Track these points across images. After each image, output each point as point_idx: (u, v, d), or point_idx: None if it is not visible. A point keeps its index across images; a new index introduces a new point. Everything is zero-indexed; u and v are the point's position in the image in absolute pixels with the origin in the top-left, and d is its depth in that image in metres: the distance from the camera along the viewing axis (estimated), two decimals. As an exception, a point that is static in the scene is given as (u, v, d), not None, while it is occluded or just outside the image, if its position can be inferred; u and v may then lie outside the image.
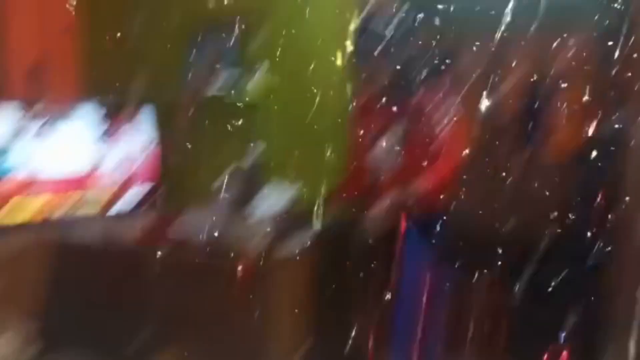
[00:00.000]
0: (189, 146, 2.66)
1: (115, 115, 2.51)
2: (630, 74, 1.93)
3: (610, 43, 3.05)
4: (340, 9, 2.29)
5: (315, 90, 2.37)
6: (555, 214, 1.58)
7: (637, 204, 1.91)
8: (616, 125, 2.53)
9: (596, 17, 3.62)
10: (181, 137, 2.68)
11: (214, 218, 2.22)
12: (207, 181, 2.46)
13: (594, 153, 3.28)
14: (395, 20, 1.83)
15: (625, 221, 1.92)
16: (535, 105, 5.20)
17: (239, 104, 2.45)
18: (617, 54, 2.77)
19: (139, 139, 2.58)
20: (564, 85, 5.14)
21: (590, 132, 4.68)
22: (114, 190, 2.49)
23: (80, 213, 2.37)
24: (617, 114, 2.48)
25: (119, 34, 2.79)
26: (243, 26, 2.50)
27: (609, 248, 2.04)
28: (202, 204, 2.49)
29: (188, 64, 2.60)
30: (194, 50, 2.60)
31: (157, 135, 2.64)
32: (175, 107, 2.65)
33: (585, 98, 4.96)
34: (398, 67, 1.83)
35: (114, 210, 2.47)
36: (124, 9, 2.79)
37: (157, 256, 1.90)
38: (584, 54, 4.72)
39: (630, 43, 1.98)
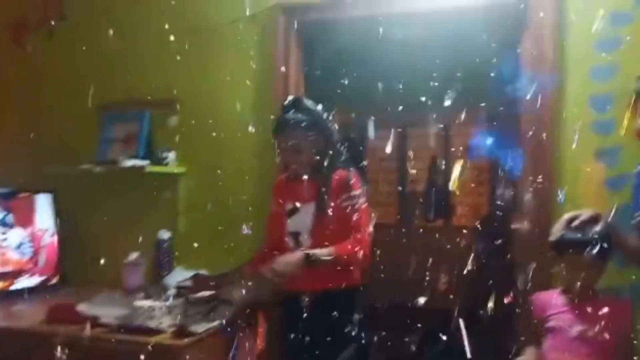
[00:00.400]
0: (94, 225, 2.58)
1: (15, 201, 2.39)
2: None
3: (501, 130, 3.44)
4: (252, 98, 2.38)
5: (230, 169, 2.39)
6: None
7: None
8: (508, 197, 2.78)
9: (489, 102, 4.08)
10: (86, 216, 2.59)
11: (122, 297, 2.12)
12: (117, 257, 2.35)
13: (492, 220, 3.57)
14: (308, 103, 1.92)
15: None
16: (440, 181, 5.58)
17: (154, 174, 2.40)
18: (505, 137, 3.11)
19: (38, 225, 2.47)
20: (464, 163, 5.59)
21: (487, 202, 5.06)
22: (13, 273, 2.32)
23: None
24: (508, 188, 2.73)
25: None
26: (156, 110, 2.51)
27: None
28: (112, 283, 2.39)
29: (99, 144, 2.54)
30: (105, 131, 2.55)
31: (58, 220, 2.53)
32: (81, 188, 2.57)
33: (483, 175, 5.42)
34: (311, 146, 1.89)
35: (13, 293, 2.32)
36: (32, 90, 2.75)
37: (60, 340, 1.74)
38: (481, 133, 5.17)
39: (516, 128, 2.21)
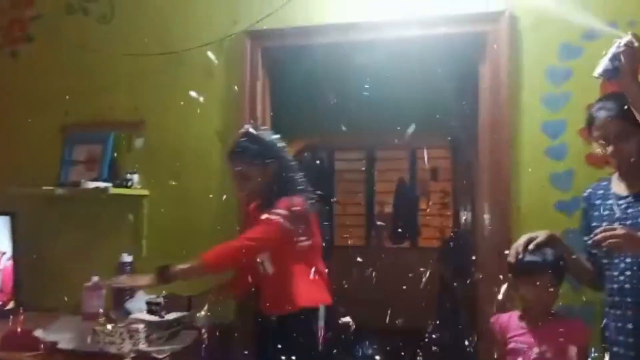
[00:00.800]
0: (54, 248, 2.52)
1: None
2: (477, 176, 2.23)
3: (462, 153, 3.55)
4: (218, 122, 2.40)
5: (194, 192, 2.39)
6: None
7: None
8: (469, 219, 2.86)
9: (451, 130, 4.20)
10: (47, 239, 2.53)
11: (81, 322, 2.07)
12: (77, 281, 2.29)
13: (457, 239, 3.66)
14: (261, 133, 1.98)
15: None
16: (408, 204, 5.65)
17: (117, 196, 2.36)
18: (466, 162, 3.22)
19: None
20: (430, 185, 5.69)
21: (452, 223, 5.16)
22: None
23: None
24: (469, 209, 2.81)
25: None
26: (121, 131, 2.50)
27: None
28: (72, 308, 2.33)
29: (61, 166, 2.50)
30: (68, 153, 2.52)
31: (15, 244, 2.47)
32: (42, 210, 2.52)
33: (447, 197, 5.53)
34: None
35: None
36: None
37: None
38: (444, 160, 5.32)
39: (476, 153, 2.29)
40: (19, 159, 2.61)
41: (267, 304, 1.95)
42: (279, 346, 1.82)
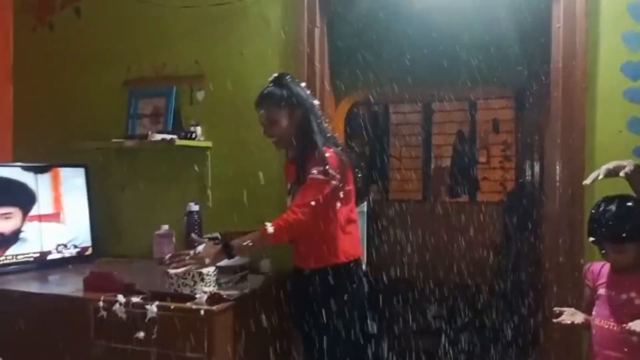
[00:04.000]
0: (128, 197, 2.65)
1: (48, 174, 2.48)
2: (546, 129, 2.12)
3: (528, 101, 3.38)
4: (277, 65, 2.37)
5: (255, 143, 2.42)
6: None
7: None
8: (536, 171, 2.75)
9: (514, 78, 4.00)
10: (117, 190, 2.66)
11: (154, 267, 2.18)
12: (147, 230, 2.42)
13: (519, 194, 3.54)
14: (288, 80, 1.96)
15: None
16: (466, 157, 5.52)
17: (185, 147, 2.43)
18: (533, 112, 3.06)
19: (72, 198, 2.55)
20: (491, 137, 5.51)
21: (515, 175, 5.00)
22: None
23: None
24: (536, 162, 2.70)
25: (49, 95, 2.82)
26: (183, 85, 2.55)
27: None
28: (143, 255, 2.48)
29: (127, 119, 2.58)
30: (133, 107, 2.60)
31: (91, 193, 2.62)
32: (111, 163, 2.65)
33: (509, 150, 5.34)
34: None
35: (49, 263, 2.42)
36: (62, 68, 2.81)
37: (100, 308, 1.84)
38: (506, 111, 5.11)
39: (545, 102, 2.17)
40: (88, 114, 2.73)
41: (301, 258, 1.96)
42: (312, 301, 1.86)
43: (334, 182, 1.81)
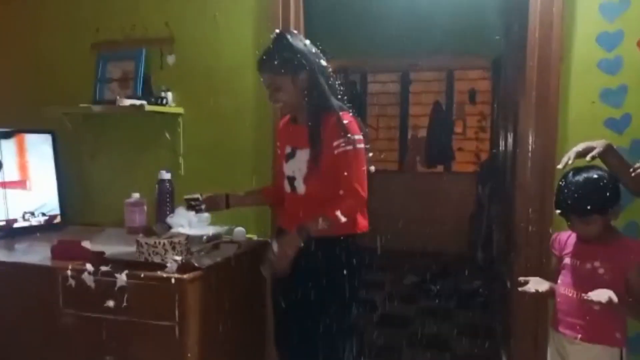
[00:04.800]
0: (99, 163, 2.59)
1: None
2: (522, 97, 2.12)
3: (505, 68, 3.38)
4: (250, 39, 2.31)
5: (229, 110, 2.37)
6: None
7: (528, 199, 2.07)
8: (508, 141, 2.77)
9: (492, 48, 3.99)
10: (86, 157, 2.59)
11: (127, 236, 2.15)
12: (118, 198, 2.38)
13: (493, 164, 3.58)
14: (291, 39, 1.78)
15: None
16: (442, 127, 5.54)
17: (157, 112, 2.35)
18: (509, 82, 3.06)
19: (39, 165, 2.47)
20: (467, 108, 5.53)
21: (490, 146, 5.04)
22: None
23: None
24: (510, 133, 2.71)
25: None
26: (152, 48, 2.45)
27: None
28: (114, 223, 2.44)
29: (96, 84, 2.49)
30: (101, 71, 2.50)
31: (58, 160, 2.53)
32: (80, 129, 2.56)
33: (485, 121, 5.38)
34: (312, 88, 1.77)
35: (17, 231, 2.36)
36: (28, 31, 2.68)
37: (68, 276, 1.81)
38: (484, 82, 5.11)
39: (521, 72, 2.16)
40: (55, 78, 2.62)
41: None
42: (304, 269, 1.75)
43: (362, 146, 1.76)
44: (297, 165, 1.83)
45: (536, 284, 1.74)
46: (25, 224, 2.39)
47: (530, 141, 2.07)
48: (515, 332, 2.19)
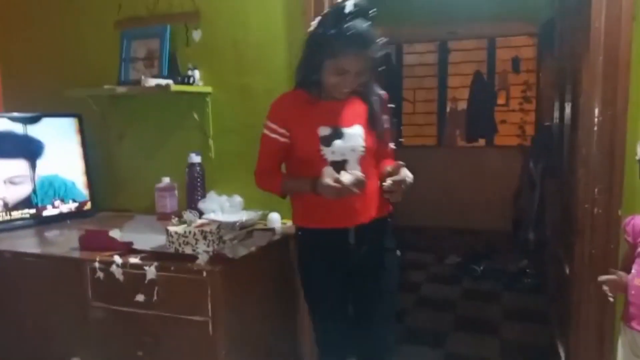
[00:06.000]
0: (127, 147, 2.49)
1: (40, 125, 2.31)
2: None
3: (557, 34, 3.09)
4: (281, 12, 2.14)
5: (259, 89, 2.21)
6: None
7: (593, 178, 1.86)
8: (566, 112, 2.52)
9: (538, 12, 3.68)
10: (113, 139, 2.50)
11: (155, 223, 2.06)
12: (151, 181, 2.27)
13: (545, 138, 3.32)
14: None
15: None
16: (486, 96, 5.24)
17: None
18: (562, 48, 2.79)
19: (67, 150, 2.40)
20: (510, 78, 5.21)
21: (536, 119, 4.74)
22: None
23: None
24: (567, 103, 2.46)
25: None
26: (177, 24, 2.31)
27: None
28: (145, 209, 2.35)
29: (120, 64, 2.37)
30: (125, 50, 2.38)
31: (86, 144, 2.45)
32: (106, 111, 2.46)
33: (530, 91, 5.05)
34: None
35: (48, 219, 2.30)
36: (48, 13, 2.58)
37: (97, 268, 1.73)
38: (528, 49, 4.79)
39: (577, 36, 1.91)
40: (79, 60, 2.53)
41: (357, 214, 1.62)
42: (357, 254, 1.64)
43: None
44: (350, 145, 1.58)
45: (616, 288, 1.54)
46: (55, 211, 2.32)
47: (596, 112, 1.83)
48: (576, 323, 2.00)
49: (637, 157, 1.51)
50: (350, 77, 1.54)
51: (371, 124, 1.63)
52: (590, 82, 1.86)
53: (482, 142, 5.25)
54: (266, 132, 1.67)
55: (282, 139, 1.63)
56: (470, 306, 3.35)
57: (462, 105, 5.38)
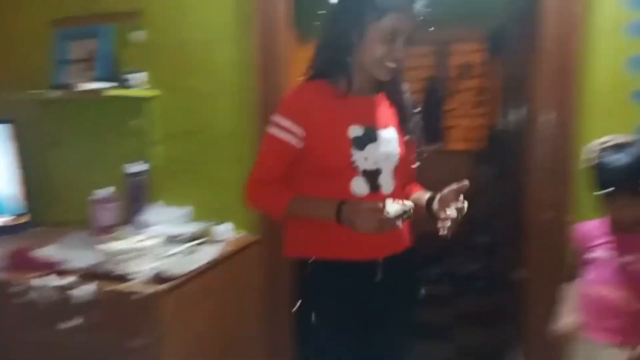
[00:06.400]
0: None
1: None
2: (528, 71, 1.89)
3: (507, 40, 3.13)
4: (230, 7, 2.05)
5: (208, 91, 2.11)
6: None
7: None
8: (514, 117, 2.55)
9: (488, 18, 3.73)
10: (47, 148, 2.32)
11: (92, 238, 1.90)
12: (89, 192, 2.11)
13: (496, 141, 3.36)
14: None
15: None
16: (437, 100, 5.29)
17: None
18: (512, 53, 2.82)
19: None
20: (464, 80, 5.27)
21: (488, 124, 4.83)
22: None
23: None
24: (515, 108, 2.49)
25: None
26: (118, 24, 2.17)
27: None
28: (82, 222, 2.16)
29: (54, 66, 2.20)
30: (60, 51, 2.22)
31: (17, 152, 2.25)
32: (39, 118, 2.28)
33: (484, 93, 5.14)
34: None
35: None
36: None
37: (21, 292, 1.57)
38: (482, 50, 4.87)
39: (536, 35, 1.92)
40: (11, 61, 2.33)
41: (394, 243, 1.46)
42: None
43: None
44: (385, 152, 1.35)
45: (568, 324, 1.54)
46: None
47: (545, 118, 1.84)
48: (528, 327, 2.00)
49: (586, 162, 1.51)
50: (399, 45, 1.30)
51: (404, 128, 1.40)
52: (539, 87, 1.87)
53: (433, 147, 5.30)
54: (274, 131, 1.32)
55: (295, 141, 1.31)
56: (421, 311, 3.33)
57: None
